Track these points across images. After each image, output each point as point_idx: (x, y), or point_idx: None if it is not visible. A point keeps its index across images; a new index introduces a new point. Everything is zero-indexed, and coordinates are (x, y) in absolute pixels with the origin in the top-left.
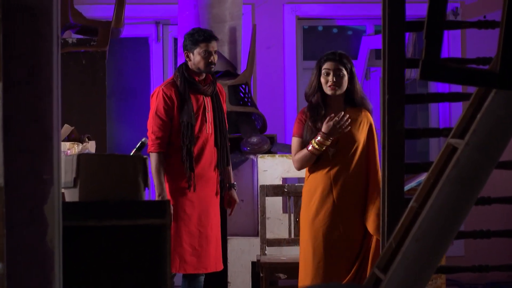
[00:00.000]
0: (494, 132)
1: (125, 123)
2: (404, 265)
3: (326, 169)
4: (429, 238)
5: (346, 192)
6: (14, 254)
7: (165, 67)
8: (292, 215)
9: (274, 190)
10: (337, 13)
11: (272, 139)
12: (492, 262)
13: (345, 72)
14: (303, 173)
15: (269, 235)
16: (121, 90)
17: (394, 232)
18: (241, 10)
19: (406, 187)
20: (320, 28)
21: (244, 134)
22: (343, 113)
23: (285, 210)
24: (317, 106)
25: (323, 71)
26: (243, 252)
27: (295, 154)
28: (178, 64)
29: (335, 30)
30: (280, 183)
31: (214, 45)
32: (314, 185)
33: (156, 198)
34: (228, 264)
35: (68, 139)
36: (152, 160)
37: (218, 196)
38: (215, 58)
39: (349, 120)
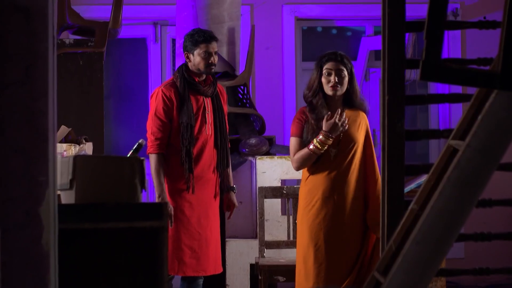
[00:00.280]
0: (495, 134)
1: (123, 125)
2: (404, 268)
3: (327, 171)
4: (429, 241)
5: (347, 194)
6: (9, 257)
7: (163, 68)
8: (291, 217)
9: (272, 192)
10: (336, 14)
11: (270, 141)
12: (492, 264)
13: (346, 73)
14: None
15: (267, 237)
16: (119, 91)
17: (394, 234)
18: (239, 10)
19: (406, 189)
20: (319, 29)
21: (242, 135)
22: (339, 110)
23: (283, 212)
24: (320, 106)
25: (324, 71)
26: (241, 255)
27: (294, 154)
28: (176, 65)
29: (334, 31)
30: (279, 184)
31: (214, 46)
32: (314, 187)
33: (156, 199)
34: (226, 266)
35: (65, 140)
36: (152, 161)
37: (218, 199)
38: (215, 59)
39: (347, 119)
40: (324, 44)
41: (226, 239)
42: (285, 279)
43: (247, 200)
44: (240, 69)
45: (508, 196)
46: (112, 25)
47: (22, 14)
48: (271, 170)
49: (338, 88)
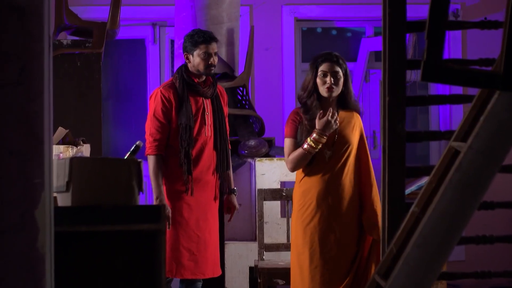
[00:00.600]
0: (497, 135)
1: (121, 126)
2: (406, 272)
3: (321, 173)
4: (431, 244)
5: (342, 196)
6: (4, 260)
7: (161, 69)
8: (290, 220)
9: (272, 194)
10: (336, 15)
11: (270, 142)
12: (493, 266)
13: (341, 74)
14: None
15: (267, 240)
16: (117, 92)
17: (395, 237)
18: (239, 11)
19: (406, 191)
20: (319, 30)
21: (241, 137)
22: (331, 109)
23: (283, 214)
24: (315, 107)
25: (319, 73)
26: (240, 257)
27: (288, 155)
28: (175, 66)
29: (334, 32)
30: (278, 187)
31: (214, 47)
32: (308, 188)
33: (154, 201)
34: (225, 269)
35: (63, 142)
36: (150, 162)
37: (217, 201)
38: (215, 60)
39: (341, 119)
40: (323, 45)
41: (225, 242)
42: (284, 282)
43: (246, 202)
44: (239, 70)
45: (510, 199)
46: (110, 26)
47: (17, 14)
48: (271, 172)
49: (334, 90)
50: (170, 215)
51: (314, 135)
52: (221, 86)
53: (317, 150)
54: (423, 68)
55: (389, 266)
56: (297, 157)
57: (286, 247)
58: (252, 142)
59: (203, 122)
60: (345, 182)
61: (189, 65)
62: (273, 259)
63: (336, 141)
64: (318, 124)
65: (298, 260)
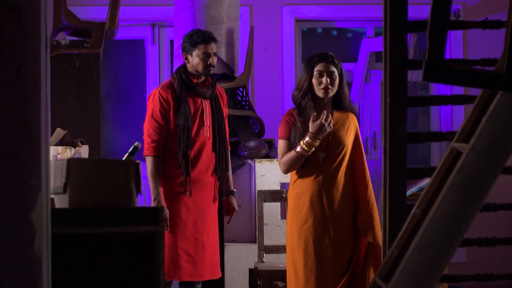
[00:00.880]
0: (500, 136)
1: (120, 127)
2: (407, 275)
3: (315, 174)
4: (432, 247)
5: (336, 198)
6: (0, 262)
7: (161, 69)
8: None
9: (272, 196)
10: (337, 15)
11: (270, 143)
12: (495, 268)
13: (337, 74)
14: None
15: (267, 242)
16: (116, 93)
17: (396, 240)
18: (238, 11)
19: (407, 193)
20: (319, 30)
21: (241, 138)
22: (325, 111)
23: (283, 216)
24: (309, 108)
25: (315, 73)
26: (240, 259)
27: (282, 157)
28: (174, 67)
29: (334, 32)
30: (278, 188)
31: (213, 47)
32: (302, 190)
33: (152, 203)
34: (225, 271)
35: (61, 143)
36: (148, 163)
37: (216, 202)
38: (214, 60)
39: (336, 121)
40: (324, 46)
41: (225, 244)
42: (284, 284)
43: (246, 203)
44: (239, 70)
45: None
46: (108, 26)
47: (13, 14)
48: (271, 173)
49: (330, 90)
50: (167, 216)
51: (307, 138)
52: (221, 87)
53: (310, 153)
54: (425, 68)
55: (390, 269)
56: (290, 159)
57: (286, 249)
58: (252, 143)
59: (201, 123)
60: (339, 183)
61: (188, 65)
62: (273, 261)
63: (330, 143)
64: (311, 127)
65: (292, 262)
